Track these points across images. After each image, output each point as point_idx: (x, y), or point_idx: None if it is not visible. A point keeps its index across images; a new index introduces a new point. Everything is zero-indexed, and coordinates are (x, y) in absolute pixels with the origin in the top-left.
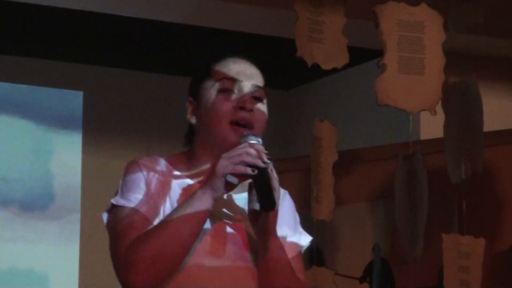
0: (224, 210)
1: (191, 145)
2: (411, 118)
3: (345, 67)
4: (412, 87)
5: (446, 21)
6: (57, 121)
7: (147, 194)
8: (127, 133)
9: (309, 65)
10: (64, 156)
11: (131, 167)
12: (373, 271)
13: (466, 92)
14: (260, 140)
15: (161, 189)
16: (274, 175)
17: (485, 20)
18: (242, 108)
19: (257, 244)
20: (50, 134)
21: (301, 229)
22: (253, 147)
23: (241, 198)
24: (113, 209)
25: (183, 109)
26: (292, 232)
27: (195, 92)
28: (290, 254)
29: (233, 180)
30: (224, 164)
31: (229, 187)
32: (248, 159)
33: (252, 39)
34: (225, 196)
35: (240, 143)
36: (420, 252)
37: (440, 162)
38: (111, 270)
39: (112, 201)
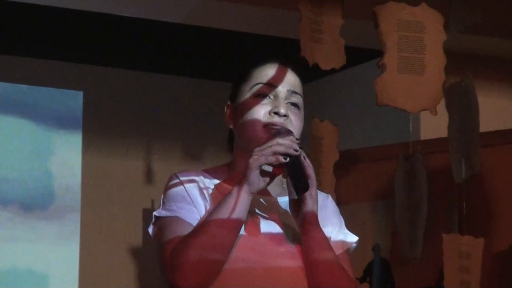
0: (267, 212)
1: (232, 151)
2: (411, 118)
3: (345, 67)
4: (412, 87)
5: (447, 21)
6: (57, 121)
7: (189, 203)
8: (127, 133)
9: (310, 64)
10: (64, 156)
11: (171, 181)
12: (373, 271)
13: (465, 92)
14: (292, 132)
15: (202, 198)
16: (308, 163)
17: (485, 20)
18: (276, 113)
19: (301, 238)
20: (50, 134)
21: (346, 230)
22: (284, 137)
23: (285, 201)
24: (157, 221)
25: (183, 109)
26: (337, 232)
27: (234, 96)
28: (337, 252)
29: (268, 169)
30: (256, 156)
31: (265, 181)
32: (280, 149)
33: (252, 39)
34: (270, 200)
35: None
36: (420, 252)
37: (440, 162)
38: (111, 270)
39: (155, 213)
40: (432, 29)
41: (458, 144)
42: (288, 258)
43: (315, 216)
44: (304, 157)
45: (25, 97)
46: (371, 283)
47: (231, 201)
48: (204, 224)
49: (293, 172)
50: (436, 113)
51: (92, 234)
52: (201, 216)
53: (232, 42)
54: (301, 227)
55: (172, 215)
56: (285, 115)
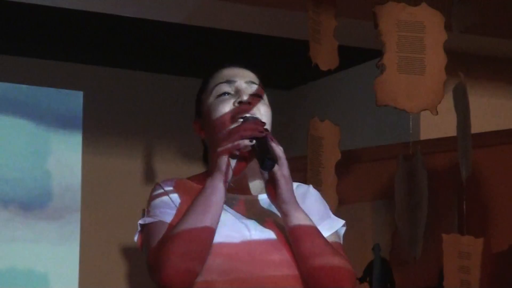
0: (249, 210)
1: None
2: (411, 118)
3: (345, 67)
4: (412, 87)
5: (448, 21)
6: (57, 121)
7: (172, 208)
8: (127, 133)
9: (313, 64)
10: (64, 156)
11: (154, 190)
12: (373, 271)
13: (462, 92)
14: (259, 119)
15: (185, 201)
16: (275, 144)
17: (485, 20)
18: (240, 103)
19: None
20: (50, 134)
21: (332, 215)
22: (250, 122)
23: (265, 198)
24: (142, 229)
25: (183, 109)
26: (322, 218)
27: (198, 110)
28: (325, 235)
29: (236, 153)
30: (224, 144)
31: (237, 167)
32: (246, 133)
33: (252, 39)
34: (250, 198)
35: None
36: (420, 252)
37: (440, 162)
38: (111, 270)
39: (140, 221)
40: (432, 29)
41: (459, 145)
42: (280, 265)
43: (291, 195)
44: (271, 138)
45: (25, 97)
46: (371, 283)
47: (206, 191)
48: (182, 219)
49: (259, 150)
50: (436, 113)
51: (92, 234)
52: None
53: (232, 42)
54: (279, 208)
55: (156, 220)
56: (249, 102)
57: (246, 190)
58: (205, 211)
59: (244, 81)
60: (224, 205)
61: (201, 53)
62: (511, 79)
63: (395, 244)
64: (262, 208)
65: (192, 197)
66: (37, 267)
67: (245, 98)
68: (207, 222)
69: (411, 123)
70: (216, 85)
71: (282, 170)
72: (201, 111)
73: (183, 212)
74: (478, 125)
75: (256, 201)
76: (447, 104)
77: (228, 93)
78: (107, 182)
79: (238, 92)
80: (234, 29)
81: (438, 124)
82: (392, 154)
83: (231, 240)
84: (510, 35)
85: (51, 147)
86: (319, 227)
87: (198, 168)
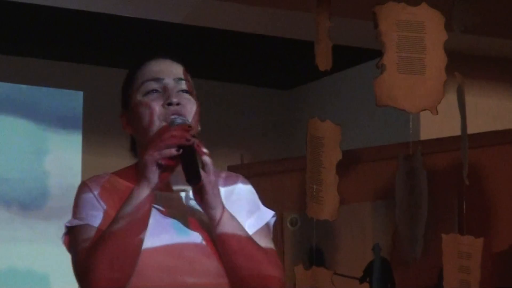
0: (171, 208)
1: (136, 157)
2: (411, 118)
3: (345, 67)
4: (412, 87)
5: (449, 21)
6: (57, 121)
7: (99, 209)
8: (127, 133)
9: (315, 64)
10: (64, 156)
11: (78, 189)
12: (373, 271)
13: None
14: (186, 121)
15: (113, 202)
16: (202, 151)
17: (485, 20)
18: (170, 104)
19: (209, 223)
20: (50, 134)
21: (262, 207)
22: (177, 128)
23: (187, 195)
24: (69, 232)
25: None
26: (251, 211)
27: (125, 103)
28: (253, 230)
29: (161, 162)
30: (151, 152)
31: (164, 175)
32: (172, 141)
33: (252, 39)
34: (172, 195)
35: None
36: (420, 252)
37: (440, 162)
38: None
39: (66, 224)
40: (432, 29)
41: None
42: (208, 273)
43: (217, 200)
44: (197, 145)
45: (25, 97)
46: (371, 283)
47: (133, 202)
48: (109, 226)
49: (185, 164)
50: (436, 113)
51: None
52: (110, 218)
53: (232, 42)
54: (206, 213)
55: (83, 223)
56: (178, 103)
57: (166, 187)
58: (133, 221)
59: (172, 78)
60: None
61: (201, 53)
62: (511, 79)
63: (395, 244)
64: (184, 205)
65: (120, 197)
66: (37, 267)
67: (174, 100)
68: (135, 232)
69: (411, 123)
70: (144, 82)
71: (208, 176)
72: (128, 105)
73: (111, 216)
74: (478, 125)
75: (178, 198)
76: (447, 104)
77: (156, 90)
78: None
79: (166, 90)
80: (234, 29)
81: (438, 124)
82: (392, 154)
83: (152, 245)
84: (510, 35)
85: (51, 147)
86: (249, 221)
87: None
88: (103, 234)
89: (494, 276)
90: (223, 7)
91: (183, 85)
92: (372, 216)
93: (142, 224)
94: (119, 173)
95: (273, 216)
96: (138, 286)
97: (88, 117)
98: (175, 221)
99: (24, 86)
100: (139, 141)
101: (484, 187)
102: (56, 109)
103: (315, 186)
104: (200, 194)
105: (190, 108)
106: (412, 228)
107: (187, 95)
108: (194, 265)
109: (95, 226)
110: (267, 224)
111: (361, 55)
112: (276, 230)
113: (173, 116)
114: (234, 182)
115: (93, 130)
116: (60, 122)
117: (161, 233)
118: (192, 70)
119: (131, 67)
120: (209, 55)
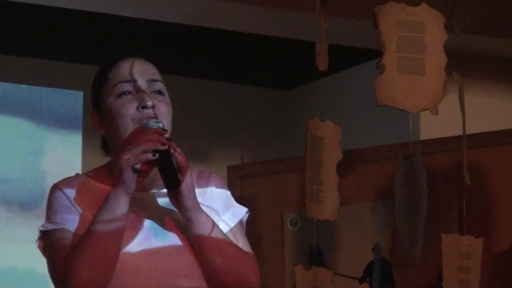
0: (147, 209)
1: (107, 156)
2: (411, 118)
3: (345, 67)
4: (412, 87)
5: (449, 21)
6: (57, 121)
7: (73, 212)
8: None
9: (315, 64)
10: (64, 156)
11: (51, 191)
12: (373, 271)
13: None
14: (161, 124)
15: (88, 205)
16: (178, 154)
17: (485, 20)
18: (144, 107)
19: (186, 225)
20: (50, 134)
21: (235, 203)
22: (152, 132)
23: (162, 193)
24: (44, 236)
25: (183, 109)
26: (225, 208)
27: (97, 103)
28: (228, 227)
29: (137, 166)
30: (126, 157)
31: (139, 179)
32: (148, 146)
33: (252, 39)
34: (146, 196)
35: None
36: (420, 252)
37: (440, 162)
38: None
39: (40, 228)
40: (432, 29)
41: (463, 144)
42: (188, 276)
43: (194, 202)
44: (173, 149)
45: (25, 97)
46: (371, 283)
47: (110, 207)
48: (87, 232)
49: (162, 168)
50: (436, 113)
51: None
52: (87, 221)
53: (232, 42)
54: (182, 215)
55: (58, 227)
56: (152, 106)
57: (141, 187)
58: (111, 226)
59: (146, 79)
60: None
61: (201, 53)
62: (511, 79)
63: (395, 244)
64: (160, 206)
65: (95, 200)
66: (37, 267)
67: (148, 103)
68: (114, 237)
69: (411, 123)
70: (116, 84)
71: (185, 180)
72: (100, 106)
73: (88, 220)
74: (477, 125)
75: (152, 198)
76: (447, 104)
77: (129, 92)
78: None
79: (139, 92)
80: (234, 29)
81: (438, 124)
82: (392, 154)
83: (130, 248)
84: (510, 35)
85: (51, 147)
86: (223, 218)
87: (198, 168)
88: (82, 239)
89: (494, 276)
90: (223, 7)
91: (157, 86)
92: (372, 216)
93: (120, 229)
94: (92, 175)
95: (246, 212)
96: None
97: (88, 117)
98: (152, 222)
99: (24, 86)
100: (111, 142)
101: (484, 187)
102: (56, 109)
103: (315, 186)
104: (176, 197)
105: (164, 109)
106: (412, 228)
107: (160, 97)
108: (173, 267)
109: (71, 230)
110: (241, 221)
111: (361, 55)
112: (276, 230)
113: (147, 120)
114: (207, 181)
115: (93, 130)
116: (60, 122)
117: (139, 236)
118: (192, 70)
119: (102, 66)
120: (209, 55)
